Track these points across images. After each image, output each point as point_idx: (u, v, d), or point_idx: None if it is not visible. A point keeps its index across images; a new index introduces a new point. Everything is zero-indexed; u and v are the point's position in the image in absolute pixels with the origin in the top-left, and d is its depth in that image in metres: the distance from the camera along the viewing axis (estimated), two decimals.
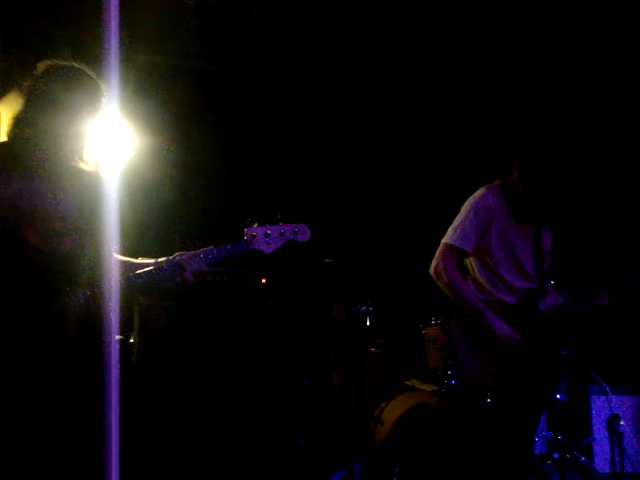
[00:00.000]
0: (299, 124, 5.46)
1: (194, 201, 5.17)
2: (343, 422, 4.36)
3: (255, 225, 2.80)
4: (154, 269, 2.62)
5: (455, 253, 3.27)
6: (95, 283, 2.47)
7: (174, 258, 2.65)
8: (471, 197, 3.36)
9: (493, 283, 3.29)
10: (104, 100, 2.60)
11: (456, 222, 3.31)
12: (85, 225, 2.55)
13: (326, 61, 5.21)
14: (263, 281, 4.49)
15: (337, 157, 5.52)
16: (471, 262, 3.37)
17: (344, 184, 5.50)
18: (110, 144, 3.35)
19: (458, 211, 3.35)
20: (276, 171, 5.40)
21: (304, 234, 2.87)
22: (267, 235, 2.80)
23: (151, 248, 3.42)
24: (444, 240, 3.31)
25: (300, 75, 5.31)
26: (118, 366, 2.49)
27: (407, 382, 4.50)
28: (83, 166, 2.62)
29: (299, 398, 4.48)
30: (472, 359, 3.19)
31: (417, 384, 4.46)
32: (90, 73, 2.59)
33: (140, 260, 2.70)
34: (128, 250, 2.73)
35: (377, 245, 5.22)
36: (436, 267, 3.28)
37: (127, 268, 2.63)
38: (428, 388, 4.30)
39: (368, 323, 4.59)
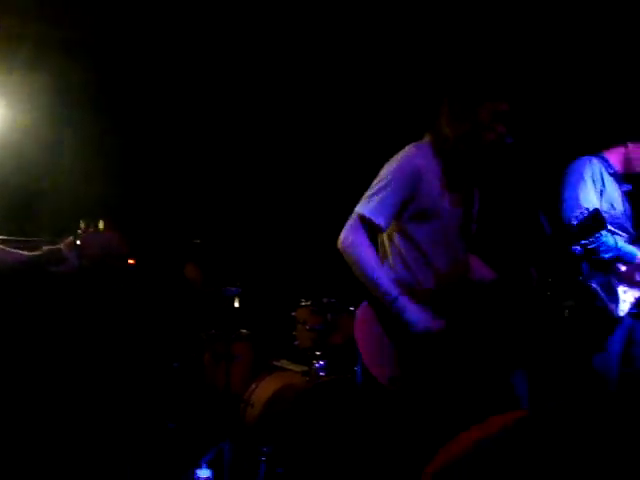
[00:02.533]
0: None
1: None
2: (214, 404, 4.36)
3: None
4: None
5: (368, 225, 2.70)
6: None
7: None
8: (394, 158, 2.76)
9: (415, 260, 2.73)
10: None
11: (374, 188, 2.72)
12: None
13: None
14: (131, 262, 4.37)
15: (203, 136, 5.25)
16: (391, 234, 2.79)
17: (215, 162, 5.27)
18: None
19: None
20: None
21: None
22: None
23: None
24: (356, 209, 2.73)
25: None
26: None
27: (277, 363, 4.57)
28: None
29: (169, 380, 4.42)
30: (382, 362, 2.65)
31: (286, 364, 4.54)
32: None
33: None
34: None
35: (246, 226, 5.19)
36: (344, 240, 2.71)
37: None
38: (297, 368, 4.39)
39: (237, 304, 4.61)
